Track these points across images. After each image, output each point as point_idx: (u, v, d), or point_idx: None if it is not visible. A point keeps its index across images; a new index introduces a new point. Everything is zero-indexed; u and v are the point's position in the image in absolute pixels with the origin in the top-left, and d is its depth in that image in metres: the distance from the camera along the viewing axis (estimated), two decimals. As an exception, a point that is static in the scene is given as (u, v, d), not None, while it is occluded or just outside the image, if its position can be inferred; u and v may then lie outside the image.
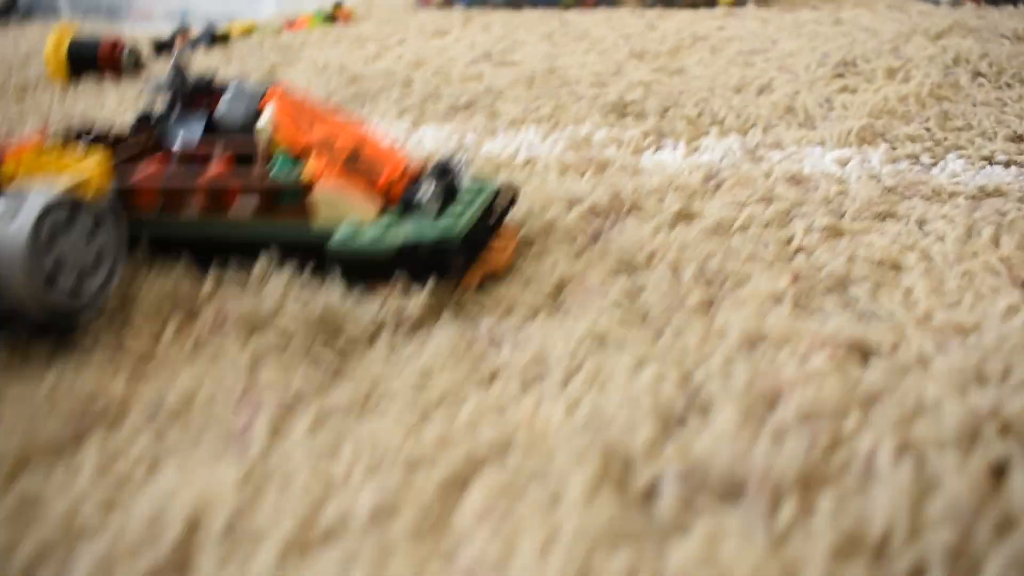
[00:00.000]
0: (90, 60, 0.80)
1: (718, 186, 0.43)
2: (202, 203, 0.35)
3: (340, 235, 0.32)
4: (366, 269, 0.32)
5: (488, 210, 0.34)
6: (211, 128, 0.41)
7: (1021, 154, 0.46)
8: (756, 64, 0.70)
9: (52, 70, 0.79)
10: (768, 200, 0.40)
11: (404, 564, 0.20)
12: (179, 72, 0.43)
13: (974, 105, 0.56)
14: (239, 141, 0.38)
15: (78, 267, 0.30)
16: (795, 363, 0.27)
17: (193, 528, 0.21)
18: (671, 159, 0.48)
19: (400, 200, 0.34)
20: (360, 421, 0.25)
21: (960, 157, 0.46)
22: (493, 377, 0.27)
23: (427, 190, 0.33)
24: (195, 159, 0.39)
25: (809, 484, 0.22)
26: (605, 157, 0.48)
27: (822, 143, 0.49)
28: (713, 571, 0.19)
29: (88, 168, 0.35)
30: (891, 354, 0.27)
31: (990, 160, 0.46)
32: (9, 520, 0.22)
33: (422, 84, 0.69)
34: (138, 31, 1.12)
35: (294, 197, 0.34)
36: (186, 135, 0.41)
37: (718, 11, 0.99)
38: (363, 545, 0.20)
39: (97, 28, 1.14)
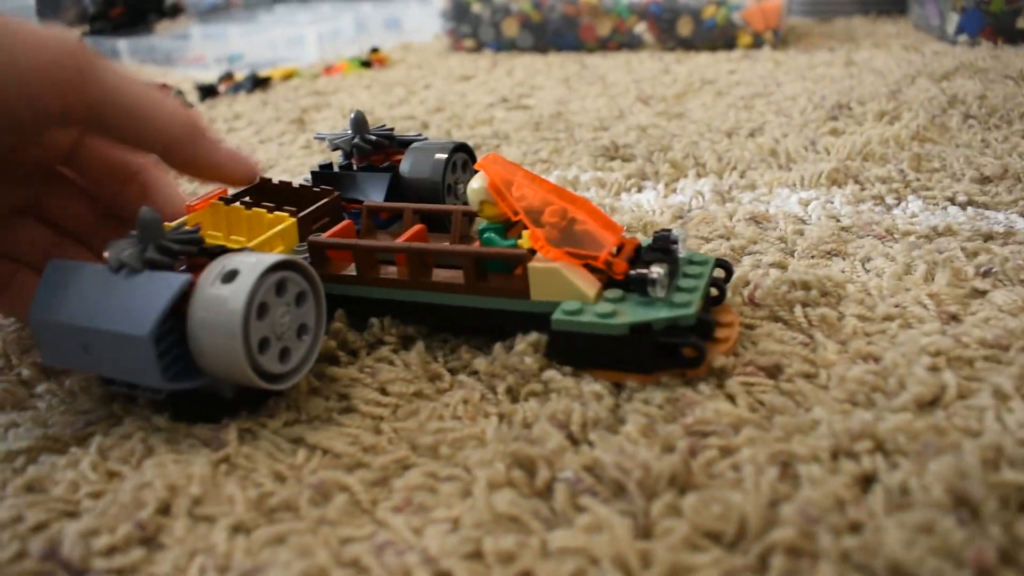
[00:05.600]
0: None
1: (684, 224, 0.46)
2: (404, 267, 0.34)
3: (565, 309, 0.30)
4: (592, 349, 0.30)
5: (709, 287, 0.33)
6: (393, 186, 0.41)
7: (983, 195, 0.49)
8: (756, 107, 0.73)
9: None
10: (727, 237, 0.44)
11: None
12: (360, 125, 0.43)
13: (957, 147, 0.58)
14: (426, 201, 0.39)
15: (285, 335, 0.29)
16: (708, 384, 0.30)
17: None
18: (647, 200, 0.51)
19: (626, 278, 0.31)
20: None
21: (922, 198, 0.49)
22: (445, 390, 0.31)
23: (658, 270, 0.30)
24: (385, 219, 0.40)
25: (683, 486, 0.25)
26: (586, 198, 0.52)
27: (793, 185, 0.52)
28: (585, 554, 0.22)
29: (281, 228, 0.35)
30: (799, 377, 0.30)
31: (952, 200, 0.48)
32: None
33: (436, 128, 0.74)
34: (189, 76, 1.19)
35: (505, 267, 0.33)
36: (371, 193, 0.41)
37: (735, 54, 1.02)
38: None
39: (154, 73, 1.22)
